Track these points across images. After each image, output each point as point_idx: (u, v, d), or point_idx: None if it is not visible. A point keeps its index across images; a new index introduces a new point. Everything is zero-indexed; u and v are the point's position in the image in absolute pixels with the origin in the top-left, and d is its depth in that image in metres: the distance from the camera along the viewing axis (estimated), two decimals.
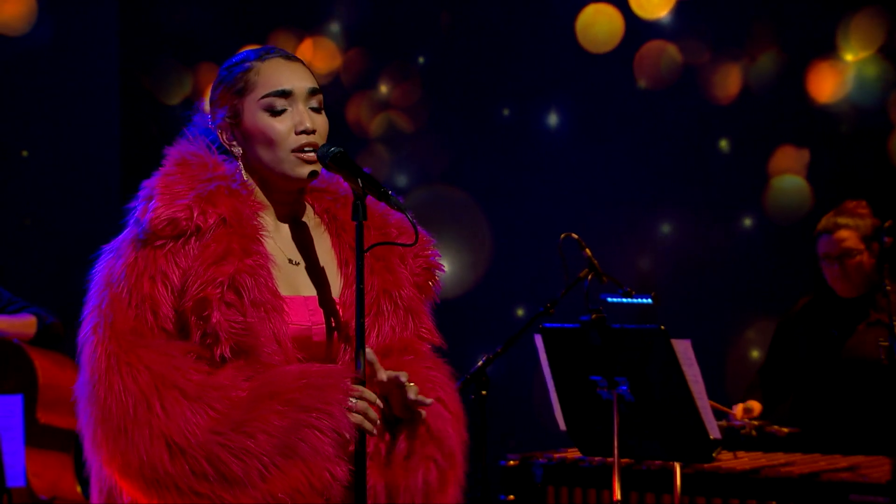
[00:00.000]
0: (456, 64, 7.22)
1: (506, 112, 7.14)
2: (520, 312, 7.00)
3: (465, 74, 7.21)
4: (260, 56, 2.82)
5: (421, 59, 7.31)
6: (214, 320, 2.65)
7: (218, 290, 2.65)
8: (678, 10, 6.67)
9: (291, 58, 2.84)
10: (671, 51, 6.69)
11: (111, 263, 2.73)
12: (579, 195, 6.91)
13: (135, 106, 7.26)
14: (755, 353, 6.48)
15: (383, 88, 7.33)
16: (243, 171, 2.81)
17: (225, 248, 2.69)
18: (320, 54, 7.29)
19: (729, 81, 6.58)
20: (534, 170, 7.04)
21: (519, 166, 7.06)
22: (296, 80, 2.80)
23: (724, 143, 6.63)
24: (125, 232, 2.76)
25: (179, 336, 2.68)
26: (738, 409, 5.05)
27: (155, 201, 2.71)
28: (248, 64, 2.81)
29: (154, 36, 7.38)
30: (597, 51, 6.86)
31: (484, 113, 7.17)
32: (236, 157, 2.82)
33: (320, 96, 2.83)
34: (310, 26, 7.35)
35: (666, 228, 6.76)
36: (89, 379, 2.66)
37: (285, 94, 2.78)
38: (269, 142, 2.76)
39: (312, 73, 2.85)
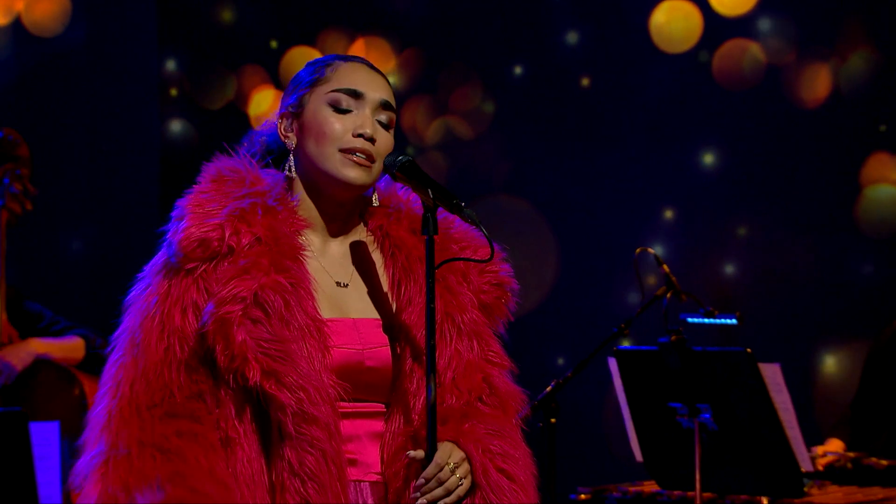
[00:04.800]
0: (519, 66, 7.21)
1: (572, 117, 7.13)
2: (591, 334, 6.96)
3: (528, 77, 7.20)
4: (345, 58, 2.87)
5: (482, 62, 7.31)
6: (239, 339, 2.63)
7: (239, 307, 2.64)
8: (761, 6, 6.64)
9: (375, 69, 2.87)
10: (754, 50, 6.66)
11: (143, 293, 2.73)
12: (654, 207, 6.87)
13: (175, 111, 7.30)
14: (848, 380, 6.41)
15: (441, 92, 7.34)
16: (293, 169, 2.81)
17: (251, 263, 2.68)
18: (373, 55, 7.29)
19: (817, 83, 6.54)
20: (604, 179, 7.01)
21: (587, 175, 7.04)
22: (371, 87, 2.82)
23: (811, 150, 6.59)
24: (157, 257, 2.76)
25: (207, 367, 2.67)
26: (818, 452, 4.99)
27: (185, 221, 2.71)
28: (330, 60, 2.86)
29: (195, 37, 7.42)
30: (673, 50, 6.84)
31: (548, 118, 7.15)
32: (289, 150, 2.83)
33: (393, 115, 2.83)
34: (362, 25, 7.37)
35: (750, 243, 6.71)
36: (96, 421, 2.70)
37: (355, 95, 2.80)
38: (321, 136, 2.77)
39: (392, 92, 2.87)
